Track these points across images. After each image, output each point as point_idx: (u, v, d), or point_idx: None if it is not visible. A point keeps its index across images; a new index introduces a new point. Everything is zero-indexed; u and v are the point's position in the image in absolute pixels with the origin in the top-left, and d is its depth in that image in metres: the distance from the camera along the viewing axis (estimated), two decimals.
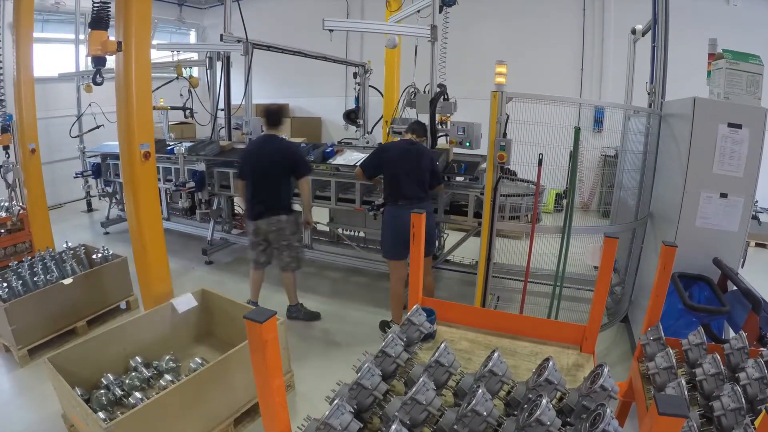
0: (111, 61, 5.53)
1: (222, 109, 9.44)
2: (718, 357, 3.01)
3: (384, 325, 6.29)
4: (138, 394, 4.54)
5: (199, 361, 4.74)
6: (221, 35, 8.75)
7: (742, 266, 5.02)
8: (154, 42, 7.21)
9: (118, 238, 10.17)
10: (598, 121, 11.28)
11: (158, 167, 7.30)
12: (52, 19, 13.33)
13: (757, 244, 9.74)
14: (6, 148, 8.34)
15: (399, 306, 6.28)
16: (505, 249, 6.08)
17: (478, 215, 6.53)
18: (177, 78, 9.86)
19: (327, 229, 8.74)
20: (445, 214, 6.98)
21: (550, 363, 2.61)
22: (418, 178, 5.98)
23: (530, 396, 2.46)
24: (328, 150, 7.76)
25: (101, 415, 4.19)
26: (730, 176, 4.79)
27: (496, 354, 2.71)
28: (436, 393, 2.48)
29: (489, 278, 5.50)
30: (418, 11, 8.69)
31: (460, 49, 9.89)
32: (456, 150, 7.04)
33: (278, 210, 6.30)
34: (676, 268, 4.10)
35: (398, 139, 6.48)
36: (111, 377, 4.76)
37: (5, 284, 5.94)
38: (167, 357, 5.01)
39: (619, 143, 7.39)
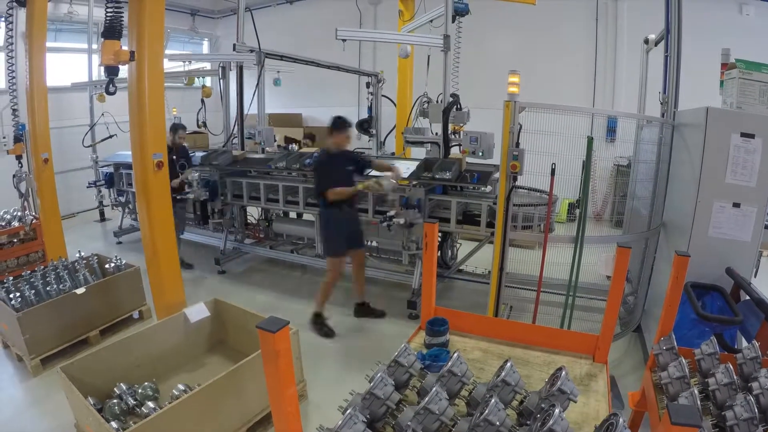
0: (124, 71, 5.57)
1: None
2: (731, 367, 3.01)
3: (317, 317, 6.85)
4: (151, 404, 4.54)
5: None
6: (234, 45, 8.80)
7: (755, 276, 5.01)
8: (167, 52, 7.23)
9: (131, 247, 10.21)
10: (611, 130, 11.29)
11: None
12: (64, 29, 13.42)
13: None
14: (19, 157, 8.37)
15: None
16: (518, 259, 6.06)
17: (490, 225, 6.53)
18: (203, 101, 9.94)
19: None
20: (457, 224, 6.96)
21: (563, 372, 2.62)
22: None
23: (543, 406, 2.46)
24: None
25: (114, 424, 4.19)
26: (743, 186, 4.77)
27: (508, 364, 2.71)
28: (449, 403, 2.49)
29: (502, 288, 5.49)
30: (431, 21, 8.72)
31: (472, 59, 9.92)
32: (469, 160, 7.03)
33: None
34: (688, 278, 4.09)
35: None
36: (124, 387, 4.76)
37: (18, 293, 5.95)
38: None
39: (631, 153, 7.38)
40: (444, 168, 6.80)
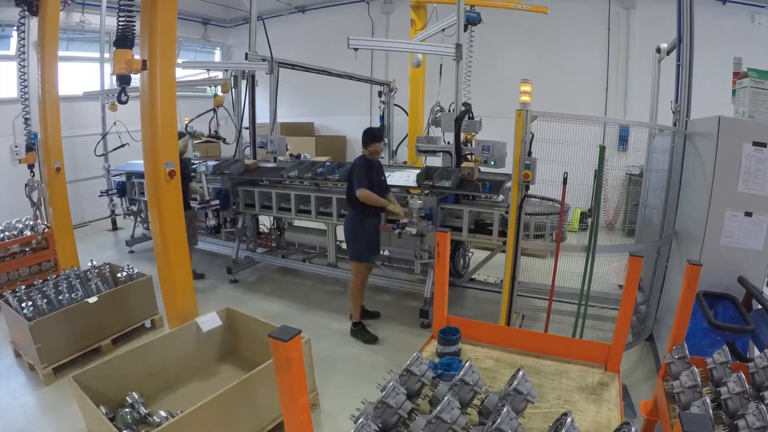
0: (136, 80, 5.61)
1: (247, 128, 9.50)
2: (743, 376, 3.00)
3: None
4: (163, 413, 4.54)
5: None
6: (246, 54, 8.84)
7: (767, 285, 4.99)
8: (179, 60, 7.26)
9: (143, 256, 10.27)
10: (623, 139, 11.28)
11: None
12: (76, 38, 13.54)
13: None
14: (31, 166, 8.43)
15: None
16: (530, 268, 6.06)
17: (503, 234, 6.52)
18: (214, 110, 9.97)
19: None
20: (470, 233, 6.95)
21: (520, 372, 2.62)
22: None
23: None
24: None
25: None
26: (755, 195, 4.75)
27: (520, 372, 2.71)
28: (461, 412, 2.49)
29: (514, 297, 5.48)
30: (443, 30, 8.76)
31: (485, 68, 9.93)
32: (481, 168, 7.04)
33: None
34: (700, 287, 4.08)
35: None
36: (136, 396, 4.78)
37: (30, 303, 5.99)
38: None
39: (643, 162, 7.37)
40: (444, 176, 6.82)
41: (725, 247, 4.91)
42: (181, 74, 10.36)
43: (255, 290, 8.73)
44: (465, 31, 7.63)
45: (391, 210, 6.68)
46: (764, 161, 4.70)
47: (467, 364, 2.83)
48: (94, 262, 7.07)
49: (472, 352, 3.72)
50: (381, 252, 7.34)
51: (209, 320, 5.61)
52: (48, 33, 7.36)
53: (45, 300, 6.12)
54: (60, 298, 6.26)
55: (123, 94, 5.48)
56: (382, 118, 11.32)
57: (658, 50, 7.32)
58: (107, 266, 7.05)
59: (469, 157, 7.42)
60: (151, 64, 5.46)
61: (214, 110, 10.00)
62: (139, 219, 11.05)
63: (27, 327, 5.57)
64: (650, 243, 6.30)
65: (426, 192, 6.95)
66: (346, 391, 5.53)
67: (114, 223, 12.89)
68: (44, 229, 8.34)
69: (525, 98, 5.00)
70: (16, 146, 10.44)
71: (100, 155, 11.70)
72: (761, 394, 2.99)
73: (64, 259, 8.03)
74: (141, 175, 9.23)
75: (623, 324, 3.44)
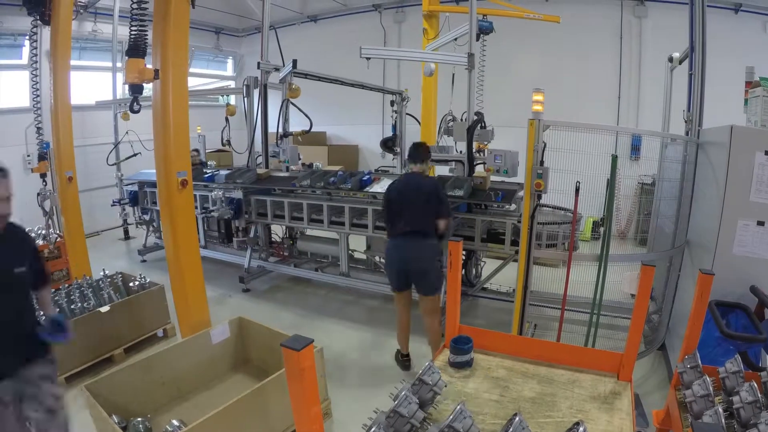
0: (148, 89, 5.64)
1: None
2: (756, 385, 3.00)
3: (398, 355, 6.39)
4: (175, 422, 4.57)
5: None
6: (258, 63, 8.87)
7: None
8: (191, 69, 7.31)
9: (156, 265, 10.29)
10: (635, 149, 11.26)
11: (195, 195, 7.39)
12: (89, 47, 13.62)
13: None
14: (43, 175, 8.49)
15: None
16: (542, 277, 6.05)
17: (515, 243, 6.51)
18: (227, 119, 10.02)
19: (364, 257, 8.77)
20: (482, 242, 6.96)
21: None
22: (419, 209, 5.78)
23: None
24: (365, 178, 7.77)
25: None
26: None
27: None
28: (472, 421, 2.50)
29: (526, 306, 5.48)
30: (456, 39, 8.76)
31: (497, 77, 9.95)
32: (493, 178, 7.03)
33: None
34: (713, 296, 4.07)
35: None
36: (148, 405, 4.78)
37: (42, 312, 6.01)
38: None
39: (656, 171, 7.35)
40: (457, 185, 6.83)
41: (737, 257, 4.90)
42: (194, 83, 10.42)
43: (267, 299, 8.75)
44: (477, 40, 7.65)
45: None
46: None
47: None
48: (107, 272, 7.11)
49: (485, 361, 3.71)
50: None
51: (219, 332, 5.65)
52: (60, 42, 7.41)
53: (57, 309, 6.10)
54: (72, 307, 6.29)
55: (135, 104, 5.54)
56: (394, 127, 11.29)
57: (671, 59, 7.31)
58: (119, 275, 7.10)
59: (481, 166, 7.42)
60: (164, 73, 5.49)
61: (227, 119, 10.07)
62: (151, 228, 11.09)
63: None
64: (662, 252, 6.29)
65: None
66: (359, 400, 5.54)
67: (126, 232, 12.94)
68: (56, 238, 8.40)
69: (537, 107, 5.00)
70: (29, 155, 10.53)
71: (113, 164, 11.79)
72: None
73: (77, 268, 8.05)
74: (153, 185, 9.29)
75: (635, 333, 3.43)
